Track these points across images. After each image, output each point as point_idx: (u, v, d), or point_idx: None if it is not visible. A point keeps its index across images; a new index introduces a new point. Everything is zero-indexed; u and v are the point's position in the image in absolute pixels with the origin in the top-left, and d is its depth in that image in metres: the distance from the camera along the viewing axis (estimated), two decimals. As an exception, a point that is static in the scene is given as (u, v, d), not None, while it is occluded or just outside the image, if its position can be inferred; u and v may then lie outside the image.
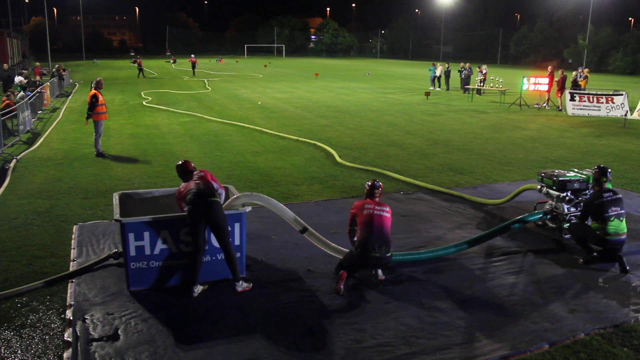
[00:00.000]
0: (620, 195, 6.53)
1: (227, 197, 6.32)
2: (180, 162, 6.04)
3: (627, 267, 6.33)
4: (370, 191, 6.10)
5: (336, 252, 6.26)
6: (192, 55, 46.09)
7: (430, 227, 7.85)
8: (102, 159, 11.98)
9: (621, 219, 6.37)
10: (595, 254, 6.54)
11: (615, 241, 6.33)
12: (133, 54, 69.02)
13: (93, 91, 12.06)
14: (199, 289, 5.65)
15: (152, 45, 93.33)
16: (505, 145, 14.22)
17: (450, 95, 27.68)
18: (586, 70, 23.95)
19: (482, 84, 27.26)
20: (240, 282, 5.73)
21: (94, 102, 11.90)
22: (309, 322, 5.14)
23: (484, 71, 27.52)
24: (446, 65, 31.25)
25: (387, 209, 6.02)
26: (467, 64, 29.80)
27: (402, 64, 74.38)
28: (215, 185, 5.90)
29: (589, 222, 6.58)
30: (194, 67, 42.48)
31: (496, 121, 18.75)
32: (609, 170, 6.65)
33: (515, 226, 7.13)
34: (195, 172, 5.95)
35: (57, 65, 32.86)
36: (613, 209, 6.33)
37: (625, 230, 6.43)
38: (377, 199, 6.08)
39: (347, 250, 6.12)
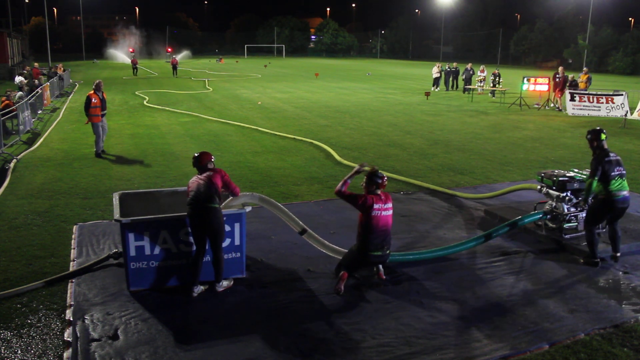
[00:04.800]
0: (619, 157, 6.58)
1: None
2: (196, 154, 5.92)
3: (618, 254, 6.51)
4: (373, 183, 5.79)
5: (336, 253, 6.26)
6: (174, 56, 45.62)
7: (430, 227, 7.85)
8: (101, 159, 11.97)
9: (623, 178, 6.45)
10: (597, 260, 6.54)
11: (621, 199, 6.39)
12: (133, 54, 69.05)
13: (90, 92, 12.18)
14: (199, 289, 5.66)
15: (153, 45, 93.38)
16: (505, 145, 14.22)
17: (450, 95, 27.68)
18: (584, 70, 23.86)
19: (482, 84, 27.25)
20: (221, 282, 5.78)
21: (87, 103, 12.02)
22: (309, 322, 5.14)
23: (484, 72, 27.59)
24: (446, 66, 31.22)
25: (390, 204, 5.84)
26: (469, 64, 29.73)
27: (402, 64, 74.39)
28: (230, 187, 5.88)
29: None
30: (174, 68, 40.97)
31: (496, 121, 18.75)
32: (604, 129, 6.68)
33: (521, 223, 7.14)
34: (209, 169, 5.79)
35: (57, 65, 32.87)
36: (617, 168, 6.41)
37: (627, 188, 6.50)
38: (381, 192, 5.82)
39: (344, 254, 6.10)
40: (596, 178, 6.37)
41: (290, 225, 6.36)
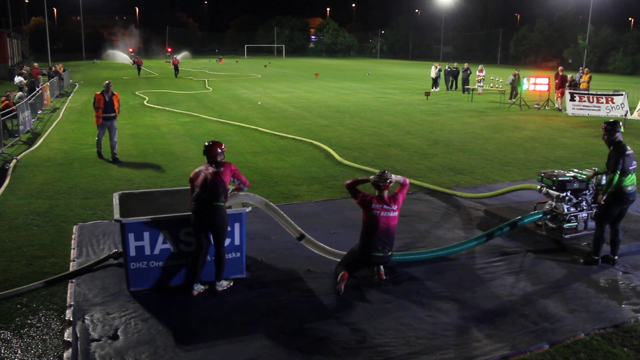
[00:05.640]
0: (633, 151, 6.54)
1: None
2: (207, 143, 5.71)
3: (616, 257, 6.52)
4: (376, 185, 5.82)
5: (335, 256, 6.25)
6: (176, 57, 44.78)
7: (430, 227, 7.85)
8: (101, 159, 11.91)
9: (635, 172, 6.44)
10: (598, 258, 6.55)
11: (632, 192, 6.39)
12: (133, 53, 69.02)
13: (97, 92, 11.89)
14: (199, 287, 5.66)
15: (153, 45, 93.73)
16: (505, 146, 14.22)
17: (450, 95, 27.68)
18: (586, 70, 23.83)
19: (481, 84, 27.23)
20: (221, 281, 5.76)
21: (93, 103, 11.82)
22: (309, 322, 5.14)
23: (483, 72, 27.63)
24: (446, 66, 31.24)
25: (395, 207, 5.82)
26: (466, 64, 29.74)
27: (402, 64, 74.39)
28: (240, 180, 5.88)
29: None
30: (176, 68, 39.91)
31: (496, 121, 18.75)
32: (620, 122, 6.60)
33: (523, 222, 7.14)
34: (218, 161, 5.62)
35: (57, 65, 32.84)
36: (634, 162, 6.39)
37: (635, 182, 6.48)
38: (385, 194, 5.81)
39: (346, 253, 6.10)
40: (618, 172, 6.25)
41: (288, 231, 6.34)
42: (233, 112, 20.30)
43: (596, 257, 6.55)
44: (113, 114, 11.83)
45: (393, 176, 5.91)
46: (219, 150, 5.67)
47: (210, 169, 5.61)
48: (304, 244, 6.32)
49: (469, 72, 28.76)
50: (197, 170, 5.71)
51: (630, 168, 6.33)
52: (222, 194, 5.57)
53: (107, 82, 11.94)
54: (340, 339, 4.85)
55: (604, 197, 6.43)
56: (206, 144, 5.73)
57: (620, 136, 6.43)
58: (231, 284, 5.85)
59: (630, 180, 6.36)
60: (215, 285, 5.73)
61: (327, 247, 6.36)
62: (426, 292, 5.80)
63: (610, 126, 6.44)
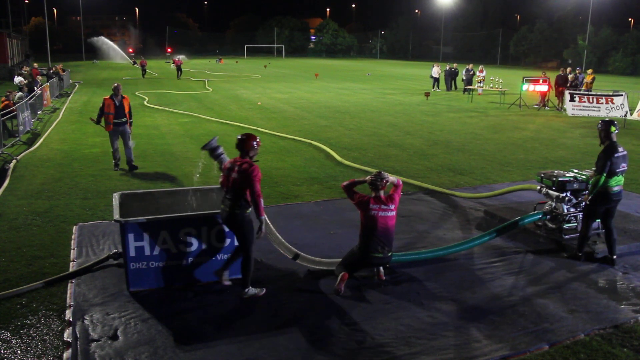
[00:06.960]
0: (626, 152, 6.54)
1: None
2: (241, 136, 5.53)
3: (615, 257, 6.51)
4: (374, 185, 5.80)
5: (333, 266, 6.22)
6: (178, 57, 43.66)
7: (430, 227, 7.85)
8: (117, 169, 11.02)
9: (623, 174, 6.44)
10: (581, 254, 6.64)
11: (617, 193, 6.41)
12: (133, 54, 68.96)
13: (106, 97, 10.87)
14: (251, 291, 5.58)
15: (152, 45, 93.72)
16: (505, 146, 14.22)
17: (450, 96, 27.68)
18: (590, 71, 23.75)
19: (481, 84, 27.20)
20: (248, 289, 5.61)
21: (100, 108, 10.70)
22: (309, 323, 5.14)
23: (484, 72, 27.62)
24: (446, 67, 31.24)
25: (393, 206, 5.80)
26: (470, 65, 29.70)
27: (401, 64, 74.38)
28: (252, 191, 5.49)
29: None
30: (179, 69, 38.97)
31: (496, 122, 18.76)
32: (615, 122, 6.58)
33: (521, 223, 7.15)
34: (249, 160, 5.43)
35: (57, 65, 32.83)
36: (622, 165, 6.39)
37: (622, 183, 6.49)
38: (382, 194, 5.81)
39: (346, 254, 6.10)
40: (604, 174, 6.27)
41: (282, 252, 6.28)
42: (233, 112, 20.30)
43: (579, 254, 6.64)
44: (124, 119, 10.80)
45: (390, 177, 5.92)
46: (251, 145, 5.47)
47: (235, 172, 5.40)
48: (299, 262, 6.26)
49: (471, 72, 28.71)
50: (228, 165, 5.51)
51: (618, 170, 6.34)
52: (242, 202, 5.39)
53: (115, 84, 10.98)
54: (340, 339, 4.85)
55: (589, 198, 6.49)
56: (239, 137, 5.54)
57: (613, 136, 6.43)
58: (262, 292, 5.65)
59: (616, 181, 6.37)
60: (243, 293, 5.61)
61: (323, 259, 6.29)
62: (426, 292, 5.81)
63: (601, 124, 6.49)
